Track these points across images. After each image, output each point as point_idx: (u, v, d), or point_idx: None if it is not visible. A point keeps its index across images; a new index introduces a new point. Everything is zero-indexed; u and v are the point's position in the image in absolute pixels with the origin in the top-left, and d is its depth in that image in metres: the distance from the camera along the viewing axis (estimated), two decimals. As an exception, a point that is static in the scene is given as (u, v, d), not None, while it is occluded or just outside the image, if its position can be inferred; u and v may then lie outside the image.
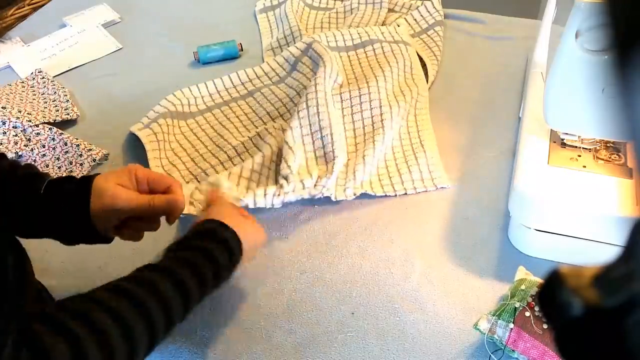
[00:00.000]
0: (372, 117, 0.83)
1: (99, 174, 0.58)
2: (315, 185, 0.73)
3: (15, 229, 0.56)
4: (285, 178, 0.72)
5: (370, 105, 0.84)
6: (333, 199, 0.74)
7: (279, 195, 0.71)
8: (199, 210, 0.67)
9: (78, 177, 0.58)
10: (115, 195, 0.56)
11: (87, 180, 0.57)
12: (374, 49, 0.94)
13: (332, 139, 0.77)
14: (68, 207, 0.55)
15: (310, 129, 0.78)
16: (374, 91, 0.85)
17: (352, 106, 0.85)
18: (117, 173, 0.58)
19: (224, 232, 0.56)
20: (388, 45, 0.95)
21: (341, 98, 0.86)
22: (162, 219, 0.61)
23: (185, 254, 0.53)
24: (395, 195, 0.76)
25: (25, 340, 0.40)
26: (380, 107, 0.83)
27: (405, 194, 0.76)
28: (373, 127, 0.82)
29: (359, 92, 0.86)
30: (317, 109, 0.79)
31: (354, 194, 0.75)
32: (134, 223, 0.60)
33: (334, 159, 0.75)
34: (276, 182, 0.75)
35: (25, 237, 0.56)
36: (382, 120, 0.82)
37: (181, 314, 0.50)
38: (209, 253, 0.54)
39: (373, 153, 0.78)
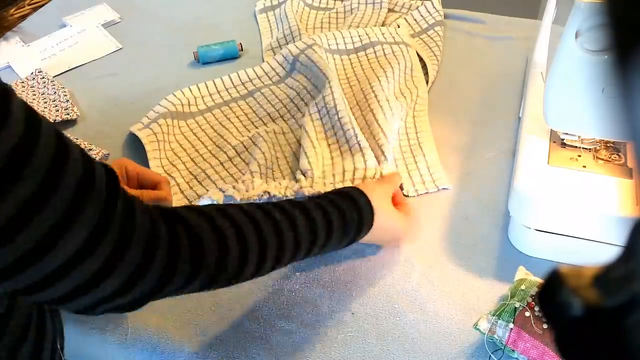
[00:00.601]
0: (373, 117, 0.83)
1: None
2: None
3: None
4: (304, 174, 0.73)
5: (370, 108, 0.84)
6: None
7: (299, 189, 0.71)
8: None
9: None
10: None
11: None
12: (375, 51, 0.94)
13: (354, 132, 0.77)
14: None
15: (331, 125, 0.80)
16: (377, 92, 0.85)
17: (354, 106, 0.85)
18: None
19: (357, 195, 0.60)
20: (389, 46, 0.94)
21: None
22: None
23: (320, 201, 0.57)
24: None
25: (163, 215, 0.43)
26: (381, 107, 0.83)
27: (407, 196, 0.76)
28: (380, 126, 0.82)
29: (364, 94, 0.86)
30: (335, 107, 0.80)
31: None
32: None
33: (361, 150, 0.75)
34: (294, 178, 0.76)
35: None
36: (388, 124, 0.81)
37: (306, 248, 0.54)
38: (340, 207, 0.57)
39: (388, 146, 0.78)
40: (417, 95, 0.89)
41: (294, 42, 1.02)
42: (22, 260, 0.34)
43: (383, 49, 0.94)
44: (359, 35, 0.97)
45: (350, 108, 0.86)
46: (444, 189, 0.76)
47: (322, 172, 0.75)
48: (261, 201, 0.70)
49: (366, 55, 0.95)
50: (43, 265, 0.34)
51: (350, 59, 0.95)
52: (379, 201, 0.62)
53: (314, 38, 0.95)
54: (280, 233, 0.51)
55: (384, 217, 0.62)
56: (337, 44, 0.96)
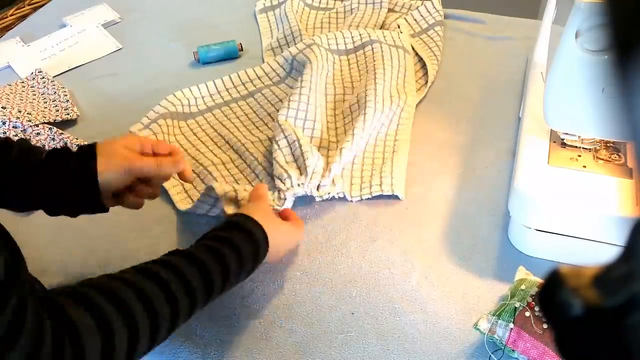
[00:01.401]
0: (359, 116, 0.82)
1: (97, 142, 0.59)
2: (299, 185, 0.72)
3: (11, 202, 0.57)
4: (280, 178, 0.72)
5: (358, 106, 0.83)
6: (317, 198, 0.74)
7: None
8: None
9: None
10: (126, 156, 0.57)
11: (91, 145, 0.58)
12: (372, 49, 0.94)
13: (300, 143, 0.76)
14: (75, 169, 0.56)
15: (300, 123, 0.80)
16: (370, 93, 0.84)
17: (350, 106, 0.85)
18: (123, 138, 0.60)
19: (250, 225, 0.58)
20: (387, 47, 0.94)
21: (335, 104, 0.86)
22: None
23: (211, 243, 0.54)
24: (360, 199, 0.75)
25: (49, 311, 0.41)
26: (366, 107, 0.82)
27: (350, 200, 0.75)
28: (353, 125, 0.81)
29: (357, 98, 0.85)
30: (307, 108, 0.81)
31: (328, 193, 0.74)
32: (138, 186, 0.61)
33: (304, 161, 0.74)
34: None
35: (20, 209, 0.57)
36: (364, 120, 0.81)
37: (204, 300, 0.52)
38: (233, 243, 0.55)
39: (350, 146, 0.77)
40: (405, 102, 0.87)
41: (294, 42, 1.03)
42: None
43: (381, 48, 0.94)
44: (360, 35, 0.97)
45: (342, 111, 0.86)
46: (395, 195, 0.75)
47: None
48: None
49: (364, 53, 0.95)
50: None
51: (348, 59, 0.95)
52: (269, 222, 0.60)
53: (313, 38, 0.95)
54: (173, 304, 0.48)
55: (276, 235, 0.60)
56: (337, 44, 0.96)
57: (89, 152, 0.57)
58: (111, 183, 0.57)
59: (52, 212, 0.59)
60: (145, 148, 0.61)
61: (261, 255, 0.58)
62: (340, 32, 0.98)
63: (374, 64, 0.90)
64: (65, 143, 0.84)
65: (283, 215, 0.68)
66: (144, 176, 0.60)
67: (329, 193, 0.74)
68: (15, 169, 0.55)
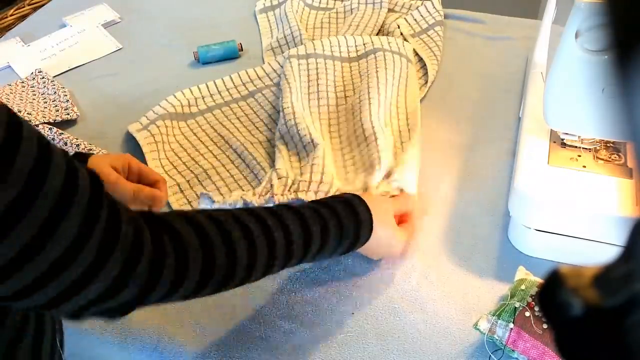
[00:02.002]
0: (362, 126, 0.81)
1: (93, 153, 0.60)
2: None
3: None
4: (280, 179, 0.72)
5: (362, 120, 0.82)
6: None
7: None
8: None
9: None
10: (107, 177, 0.59)
11: (81, 157, 0.60)
12: (375, 57, 0.92)
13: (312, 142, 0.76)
14: None
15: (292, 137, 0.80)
16: (373, 102, 0.83)
17: (353, 114, 0.85)
18: (111, 157, 0.62)
19: (359, 206, 0.59)
20: (391, 55, 0.92)
21: (338, 112, 0.86)
22: None
23: (317, 206, 0.56)
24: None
25: (149, 221, 0.42)
26: (371, 122, 0.80)
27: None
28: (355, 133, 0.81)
29: (359, 101, 0.85)
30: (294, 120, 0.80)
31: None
32: None
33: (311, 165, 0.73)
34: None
35: None
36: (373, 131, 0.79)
37: (300, 253, 0.53)
38: (338, 215, 0.56)
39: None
40: (407, 110, 0.86)
41: (294, 42, 1.02)
42: (4, 269, 0.34)
43: (384, 57, 0.92)
44: (364, 44, 0.95)
45: (346, 118, 0.85)
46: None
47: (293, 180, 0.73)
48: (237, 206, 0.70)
49: (367, 61, 0.93)
50: (26, 273, 0.35)
51: (350, 67, 0.94)
52: (380, 215, 0.61)
53: (315, 44, 0.94)
54: (271, 241, 0.50)
55: (382, 231, 0.61)
56: (340, 52, 0.95)
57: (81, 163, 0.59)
58: None
59: None
60: (131, 172, 0.62)
61: (362, 237, 0.59)
62: (344, 37, 0.97)
63: (377, 72, 0.89)
64: (66, 143, 0.84)
65: (401, 217, 0.67)
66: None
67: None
68: None
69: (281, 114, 0.83)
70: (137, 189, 0.60)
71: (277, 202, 0.69)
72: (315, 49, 0.93)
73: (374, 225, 0.60)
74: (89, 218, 0.37)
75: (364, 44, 0.96)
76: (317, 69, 0.91)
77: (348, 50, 0.95)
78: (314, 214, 0.55)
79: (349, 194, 0.61)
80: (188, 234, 0.44)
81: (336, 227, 0.56)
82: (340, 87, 0.90)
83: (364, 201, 0.60)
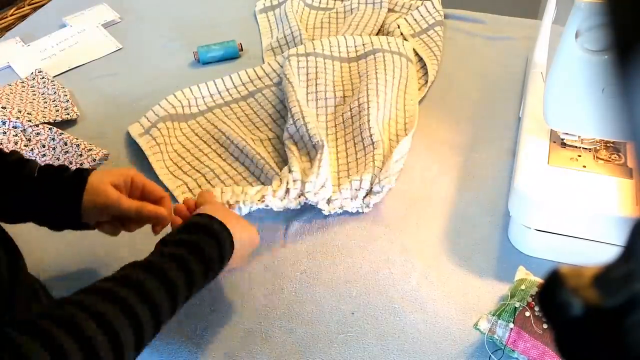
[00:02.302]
0: (361, 133, 0.81)
1: (95, 168, 0.58)
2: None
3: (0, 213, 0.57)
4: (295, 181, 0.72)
5: (359, 117, 0.82)
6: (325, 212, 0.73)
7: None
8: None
9: (72, 168, 0.60)
10: (108, 196, 0.57)
11: (83, 173, 0.58)
12: (374, 58, 0.92)
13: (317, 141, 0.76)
14: (61, 196, 0.57)
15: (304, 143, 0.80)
16: (372, 105, 0.83)
17: (351, 117, 0.85)
18: (113, 173, 0.59)
19: (213, 225, 0.56)
20: (390, 55, 0.92)
21: (335, 113, 0.86)
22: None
23: (172, 249, 0.52)
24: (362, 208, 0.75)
25: (3, 346, 0.38)
26: (369, 115, 0.81)
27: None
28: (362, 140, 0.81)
29: (358, 103, 0.85)
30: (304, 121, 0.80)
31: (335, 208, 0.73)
32: (115, 222, 0.61)
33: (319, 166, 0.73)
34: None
35: (9, 221, 0.57)
36: (368, 128, 0.80)
37: (169, 313, 0.49)
38: (197, 246, 0.53)
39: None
40: (405, 111, 0.86)
41: (294, 42, 1.02)
42: None
43: (384, 57, 0.92)
44: (364, 44, 0.95)
45: (343, 120, 0.85)
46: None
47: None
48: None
49: (366, 62, 0.93)
50: None
51: (350, 67, 0.94)
52: (231, 223, 0.57)
53: (314, 44, 0.94)
54: (138, 327, 0.45)
55: (239, 234, 0.58)
56: (339, 52, 0.95)
57: (79, 184, 0.57)
58: (89, 216, 0.58)
59: (40, 223, 0.60)
60: (134, 187, 0.61)
61: (226, 257, 0.56)
62: (344, 37, 0.97)
63: (376, 73, 0.89)
64: (66, 143, 0.84)
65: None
66: (121, 217, 0.59)
67: (340, 207, 0.73)
68: (7, 181, 0.56)
69: (289, 113, 0.83)
70: (140, 207, 0.59)
71: (292, 205, 0.71)
72: (314, 49, 0.93)
73: (232, 233, 0.57)
74: None
75: (363, 45, 0.96)
76: (316, 67, 0.91)
77: (347, 50, 0.95)
78: (174, 267, 0.50)
79: (199, 216, 0.57)
80: (37, 351, 0.39)
81: (200, 264, 0.52)
82: (339, 87, 0.90)
83: (216, 220, 0.56)
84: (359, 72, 0.92)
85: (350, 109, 0.85)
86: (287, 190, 0.71)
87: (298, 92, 0.85)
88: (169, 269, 0.50)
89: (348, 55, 0.95)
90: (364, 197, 0.73)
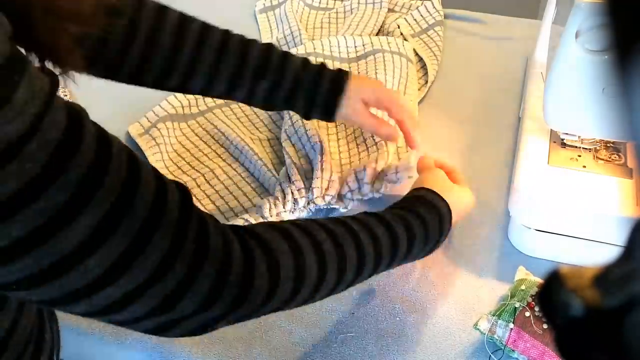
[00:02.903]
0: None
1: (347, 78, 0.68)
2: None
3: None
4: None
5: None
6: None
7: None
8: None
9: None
10: (355, 113, 0.69)
11: (341, 84, 0.68)
12: (375, 58, 0.92)
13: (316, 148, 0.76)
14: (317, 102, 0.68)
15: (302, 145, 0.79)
16: None
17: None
18: (365, 90, 0.69)
19: (435, 200, 0.59)
20: (390, 55, 0.92)
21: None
22: None
23: (402, 213, 0.55)
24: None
25: (237, 233, 0.42)
26: None
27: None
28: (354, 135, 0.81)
29: None
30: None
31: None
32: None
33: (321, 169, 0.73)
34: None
35: (251, 103, 0.70)
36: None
37: (387, 260, 0.53)
38: (422, 217, 0.56)
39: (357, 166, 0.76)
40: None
41: (294, 42, 1.02)
42: (95, 285, 0.34)
43: (384, 57, 0.91)
44: (364, 44, 0.95)
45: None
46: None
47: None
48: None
49: (366, 62, 0.92)
50: (116, 289, 0.35)
51: (349, 67, 0.93)
52: (448, 194, 0.61)
53: (314, 44, 0.94)
54: (359, 245, 0.49)
55: (456, 207, 0.61)
56: (339, 52, 0.94)
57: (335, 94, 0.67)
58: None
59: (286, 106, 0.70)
60: (381, 101, 0.69)
61: (445, 232, 0.59)
62: (344, 37, 0.96)
63: (376, 74, 0.88)
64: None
65: (452, 177, 0.67)
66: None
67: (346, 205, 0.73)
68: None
69: (287, 114, 0.82)
70: (375, 127, 0.70)
71: (303, 214, 0.71)
72: (315, 49, 0.93)
73: (450, 207, 0.60)
74: (179, 234, 0.37)
75: (363, 45, 0.95)
76: None
77: (348, 51, 0.95)
78: (399, 221, 0.54)
79: (422, 190, 0.60)
80: (276, 240, 0.44)
81: (422, 234, 0.55)
82: None
83: (439, 196, 0.60)
84: (359, 73, 0.92)
85: None
86: (295, 201, 0.70)
87: None
88: (397, 227, 0.53)
89: (348, 56, 0.95)
90: (373, 183, 0.73)
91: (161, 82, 0.66)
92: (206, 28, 0.69)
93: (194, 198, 0.75)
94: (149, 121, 0.85)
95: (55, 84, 0.34)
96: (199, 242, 0.38)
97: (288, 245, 0.44)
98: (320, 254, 0.46)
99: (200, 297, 0.38)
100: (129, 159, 0.36)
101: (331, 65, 0.91)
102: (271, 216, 0.69)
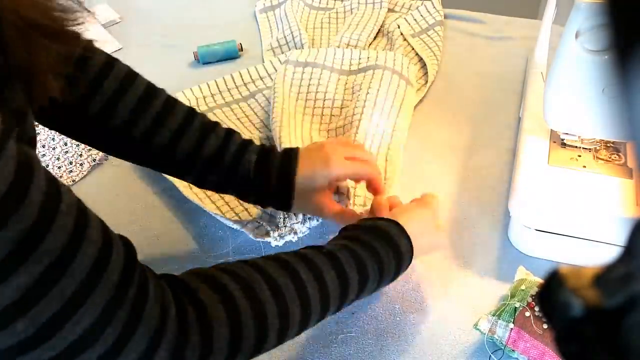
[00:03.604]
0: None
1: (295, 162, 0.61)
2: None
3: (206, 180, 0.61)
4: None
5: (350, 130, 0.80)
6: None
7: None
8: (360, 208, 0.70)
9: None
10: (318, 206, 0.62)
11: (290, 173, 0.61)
12: (373, 74, 0.87)
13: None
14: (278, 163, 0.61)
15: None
16: (362, 122, 0.80)
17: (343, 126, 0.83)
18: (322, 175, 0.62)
19: (399, 239, 0.54)
20: (389, 74, 0.87)
21: (328, 124, 0.85)
22: None
23: (354, 246, 0.51)
24: None
25: (174, 288, 0.41)
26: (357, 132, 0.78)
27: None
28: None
29: (343, 124, 0.83)
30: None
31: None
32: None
33: None
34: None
35: (209, 189, 0.64)
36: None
37: (335, 306, 0.49)
38: (377, 255, 0.52)
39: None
40: (394, 129, 0.81)
41: (294, 42, 1.02)
42: (24, 346, 0.33)
43: (382, 74, 0.87)
44: (367, 57, 0.92)
45: (335, 131, 0.83)
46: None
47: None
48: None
49: (364, 76, 0.88)
50: (43, 352, 0.33)
51: (347, 80, 0.90)
52: (420, 235, 0.56)
53: (317, 54, 0.92)
54: (305, 299, 0.46)
55: (419, 249, 0.56)
56: (342, 64, 0.91)
57: (291, 156, 0.61)
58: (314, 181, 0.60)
59: (242, 197, 0.64)
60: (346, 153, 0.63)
61: (402, 271, 0.55)
62: (350, 50, 0.93)
63: (369, 88, 0.84)
64: (66, 143, 0.84)
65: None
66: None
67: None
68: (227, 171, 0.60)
69: (271, 125, 0.81)
70: (338, 215, 0.63)
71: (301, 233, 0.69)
72: (315, 59, 0.91)
73: (414, 250, 0.55)
74: (116, 297, 0.36)
75: (363, 58, 0.92)
76: (310, 80, 0.88)
77: (351, 62, 0.92)
78: (350, 259, 0.50)
79: (385, 220, 0.56)
80: (214, 304, 0.42)
81: (375, 270, 0.51)
82: (338, 98, 0.87)
83: (403, 229, 0.55)
84: (353, 86, 0.88)
85: (335, 128, 0.83)
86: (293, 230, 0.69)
87: (286, 102, 0.83)
88: (347, 265, 0.49)
89: (350, 68, 0.91)
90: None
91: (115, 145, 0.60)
92: (169, 106, 0.59)
93: (195, 196, 0.75)
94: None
95: (10, 128, 0.32)
96: (135, 309, 0.37)
97: (226, 312, 0.42)
98: (262, 319, 0.43)
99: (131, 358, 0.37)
100: (77, 215, 0.35)
101: (327, 77, 0.89)
102: (285, 226, 0.69)
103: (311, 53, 0.92)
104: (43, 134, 0.85)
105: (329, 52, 0.93)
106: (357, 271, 0.50)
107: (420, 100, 0.91)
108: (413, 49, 1.01)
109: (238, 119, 0.89)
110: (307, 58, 0.91)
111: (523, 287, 0.57)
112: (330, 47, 0.96)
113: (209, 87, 0.93)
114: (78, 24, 0.38)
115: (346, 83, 0.90)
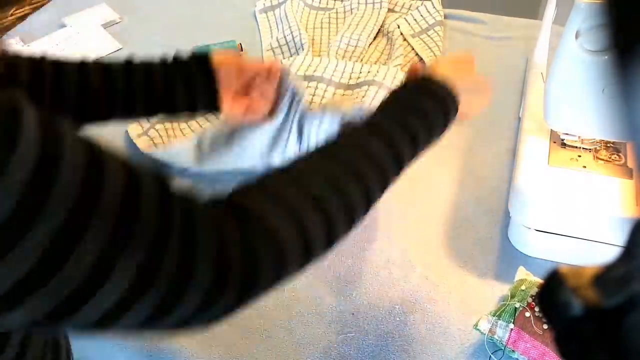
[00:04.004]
0: None
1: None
2: None
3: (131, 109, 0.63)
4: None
5: None
6: None
7: None
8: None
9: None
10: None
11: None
12: (367, 89, 0.87)
13: None
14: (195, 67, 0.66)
15: None
16: None
17: None
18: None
19: (441, 91, 0.51)
20: (384, 93, 0.85)
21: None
22: None
23: (400, 112, 0.49)
24: None
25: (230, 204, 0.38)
26: None
27: None
28: None
29: None
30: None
31: None
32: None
33: None
34: None
35: (142, 116, 0.66)
36: None
37: (391, 175, 0.47)
38: (424, 113, 0.49)
39: None
40: None
41: (294, 42, 1.02)
42: (71, 300, 0.29)
43: (377, 91, 0.86)
44: (369, 71, 0.90)
45: None
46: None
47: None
48: None
49: (359, 91, 0.88)
50: (98, 301, 0.30)
51: (344, 94, 0.89)
52: (459, 81, 0.52)
53: (314, 65, 0.91)
54: (363, 184, 0.43)
55: (467, 96, 0.53)
56: (341, 77, 0.90)
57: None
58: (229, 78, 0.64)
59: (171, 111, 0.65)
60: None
61: (451, 119, 0.52)
62: (352, 63, 0.92)
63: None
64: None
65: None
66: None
67: None
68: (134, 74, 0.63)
69: None
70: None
71: None
72: (315, 71, 0.90)
73: (459, 95, 0.52)
74: (160, 233, 0.32)
75: (368, 72, 0.91)
76: (313, 95, 0.87)
77: (350, 76, 0.91)
78: (402, 131, 0.47)
79: (427, 78, 0.52)
80: (270, 210, 0.38)
81: (425, 131, 0.49)
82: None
83: (442, 82, 0.51)
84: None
85: None
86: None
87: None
88: (396, 134, 0.47)
89: (348, 82, 0.90)
90: None
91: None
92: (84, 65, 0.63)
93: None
94: (148, 122, 0.85)
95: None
96: (185, 240, 0.33)
97: (285, 213, 0.39)
98: (323, 209, 0.40)
99: (198, 300, 0.34)
100: (88, 152, 0.31)
101: (322, 91, 0.88)
102: None
103: (312, 64, 0.91)
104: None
105: (329, 65, 0.91)
106: (408, 141, 0.48)
107: (420, 100, 0.91)
108: (413, 49, 1.01)
109: (238, 119, 0.89)
110: (305, 72, 0.90)
111: (523, 287, 0.57)
112: (332, 58, 0.93)
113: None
114: None
115: (343, 96, 0.89)
